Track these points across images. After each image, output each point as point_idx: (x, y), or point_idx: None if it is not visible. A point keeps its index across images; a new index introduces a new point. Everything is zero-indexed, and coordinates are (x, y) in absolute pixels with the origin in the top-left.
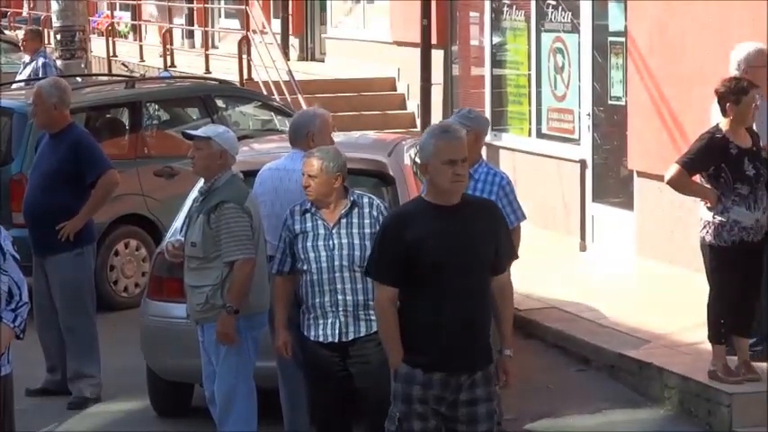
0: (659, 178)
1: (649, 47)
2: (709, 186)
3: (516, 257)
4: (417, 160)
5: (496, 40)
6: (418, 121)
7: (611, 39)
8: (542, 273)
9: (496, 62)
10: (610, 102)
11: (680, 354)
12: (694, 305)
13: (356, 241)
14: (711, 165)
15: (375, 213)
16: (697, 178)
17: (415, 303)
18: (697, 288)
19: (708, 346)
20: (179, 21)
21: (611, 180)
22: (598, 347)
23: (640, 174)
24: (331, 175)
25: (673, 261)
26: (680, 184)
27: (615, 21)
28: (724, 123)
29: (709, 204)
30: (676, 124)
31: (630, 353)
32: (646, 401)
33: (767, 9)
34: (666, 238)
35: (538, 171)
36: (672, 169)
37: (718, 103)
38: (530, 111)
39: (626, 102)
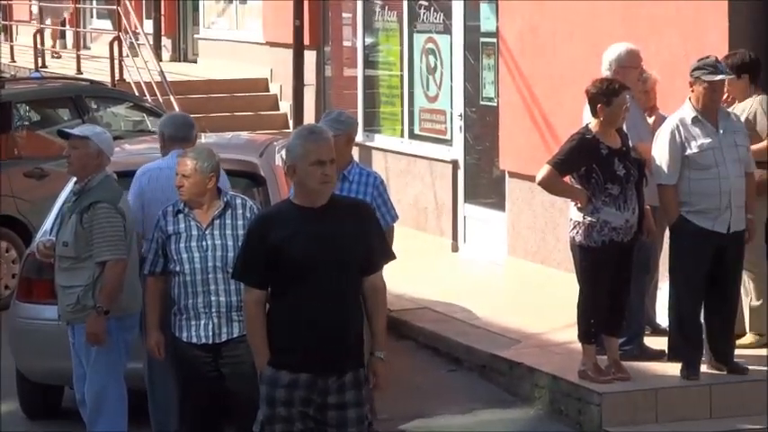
0: (531, 179)
1: (521, 48)
2: (579, 187)
3: (394, 257)
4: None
5: (369, 40)
6: (291, 122)
7: (482, 39)
8: (415, 273)
9: (369, 63)
10: (482, 102)
11: (551, 353)
12: (565, 305)
13: (230, 242)
14: (582, 165)
15: (248, 214)
16: (568, 179)
17: (283, 305)
18: (568, 288)
19: (578, 345)
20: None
21: (483, 181)
22: (470, 348)
23: (512, 174)
24: (205, 176)
25: (544, 261)
26: (551, 184)
27: (487, 21)
28: (594, 124)
29: (579, 205)
30: (548, 125)
31: (502, 353)
32: (516, 401)
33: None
34: (538, 239)
35: (410, 172)
36: (543, 170)
37: (589, 103)
38: (402, 112)
39: (498, 102)
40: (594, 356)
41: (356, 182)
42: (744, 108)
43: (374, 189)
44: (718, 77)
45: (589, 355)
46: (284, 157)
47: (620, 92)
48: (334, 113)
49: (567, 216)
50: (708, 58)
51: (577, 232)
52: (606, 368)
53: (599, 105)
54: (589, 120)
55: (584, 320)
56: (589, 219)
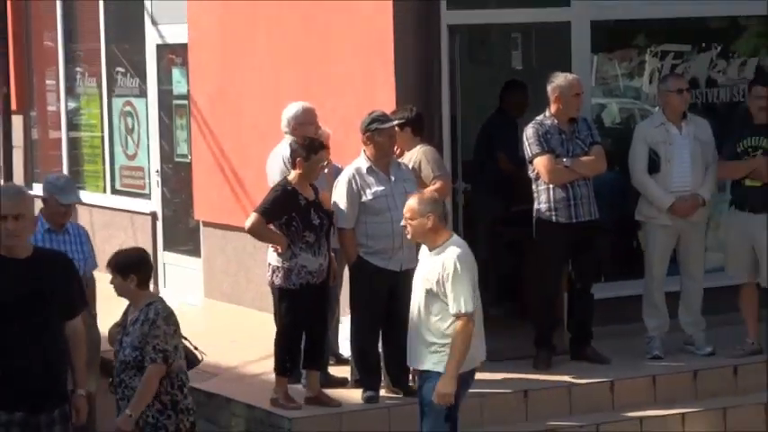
0: (223, 227)
1: (211, 108)
2: (280, 233)
3: (87, 305)
4: None
5: (72, 105)
6: (0, 182)
7: (175, 102)
8: (119, 317)
9: (72, 125)
10: (176, 159)
11: (246, 384)
12: (259, 339)
13: None
14: (284, 214)
15: None
16: (271, 226)
17: None
18: (260, 324)
19: (271, 376)
20: None
21: (180, 230)
22: None
23: (206, 224)
24: None
25: (239, 301)
26: (258, 231)
27: (178, 85)
28: (293, 176)
29: (279, 250)
30: (237, 178)
31: (200, 386)
32: (215, 430)
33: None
34: (231, 281)
35: (113, 224)
36: (251, 218)
37: (290, 156)
38: (104, 169)
39: (191, 159)
40: (286, 386)
41: (75, 233)
42: (411, 157)
43: (86, 236)
44: (390, 124)
45: (281, 384)
46: None
47: (318, 150)
48: (52, 176)
49: (258, 259)
50: (374, 112)
51: (276, 276)
52: (307, 399)
53: (298, 159)
54: (273, 171)
55: (280, 354)
56: (287, 263)
